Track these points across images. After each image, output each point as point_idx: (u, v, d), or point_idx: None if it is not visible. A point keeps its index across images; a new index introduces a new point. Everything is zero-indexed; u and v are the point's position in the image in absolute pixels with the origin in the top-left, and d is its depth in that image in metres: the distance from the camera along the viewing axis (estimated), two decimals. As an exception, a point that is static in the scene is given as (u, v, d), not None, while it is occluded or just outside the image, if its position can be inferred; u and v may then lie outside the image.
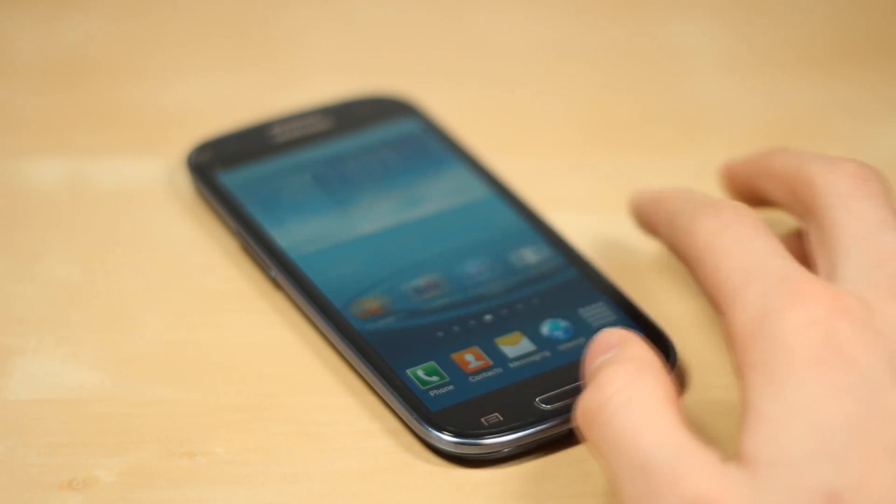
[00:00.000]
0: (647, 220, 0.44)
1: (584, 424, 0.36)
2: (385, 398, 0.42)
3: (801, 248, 0.43)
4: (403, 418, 0.42)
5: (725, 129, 0.56)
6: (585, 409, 0.36)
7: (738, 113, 0.57)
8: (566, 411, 0.41)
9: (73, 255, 0.48)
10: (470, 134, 0.53)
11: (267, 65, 0.59)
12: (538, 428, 0.41)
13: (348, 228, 0.48)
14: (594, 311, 0.45)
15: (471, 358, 0.43)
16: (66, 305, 0.46)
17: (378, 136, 0.52)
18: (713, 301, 0.38)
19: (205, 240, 0.49)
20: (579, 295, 0.45)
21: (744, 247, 0.37)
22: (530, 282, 0.46)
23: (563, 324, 0.44)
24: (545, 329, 0.44)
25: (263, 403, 0.43)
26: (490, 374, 0.43)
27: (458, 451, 0.41)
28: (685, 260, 0.39)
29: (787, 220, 0.46)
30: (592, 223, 0.49)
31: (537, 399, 0.41)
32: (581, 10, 0.62)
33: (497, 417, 0.41)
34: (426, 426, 0.41)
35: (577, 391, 0.41)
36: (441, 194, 0.50)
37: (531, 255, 0.47)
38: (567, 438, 0.41)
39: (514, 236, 0.48)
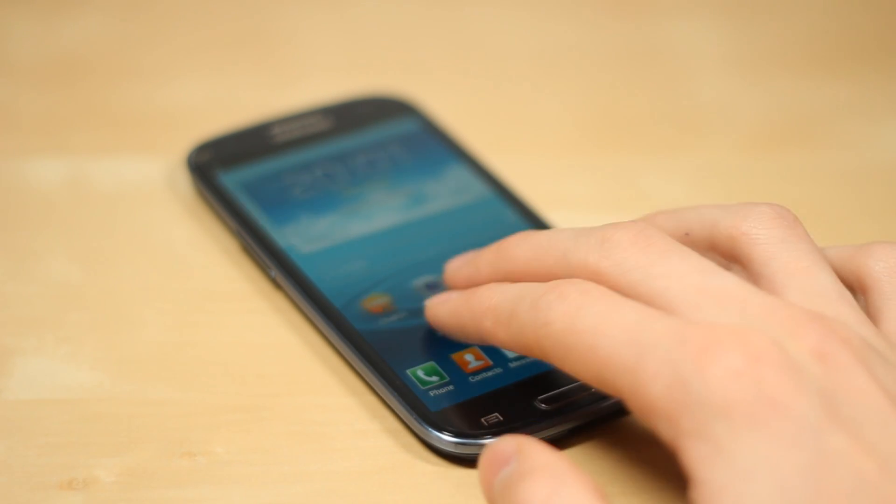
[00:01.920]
0: (468, 328, 0.41)
1: None
2: (385, 398, 0.42)
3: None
4: (403, 418, 0.42)
5: (726, 129, 0.56)
6: None
7: (739, 112, 0.57)
8: (566, 411, 0.41)
9: (73, 255, 0.48)
10: (470, 134, 0.53)
11: (267, 65, 0.59)
12: (538, 428, 0.41)
13: (348, 228, 0.48)
14: (594, 311, 0.44)
15: (470, 358, 0.43)
16: (66, 305, 0.46)
17: (378, 135, 0.52)
18: (602, 384, 0.35)
19: (205, 240, 0.49)
20: None
21: (612, 319, 0.35)
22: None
23: (563, 324, 0.44)
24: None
25: (263, 403, 0.43)
26: (490, 374, 0.42)
27: (458, 451, 0.41)
28: (546, 354, 0.37)
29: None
30: (592, 223, 0.49)
31: (537, 399, 0.41)
32: (581, 10, 0.62)
33: (497, 417, 0.41)
34: (426, 426, 0.41)
35: (578, 391, 0.41)
36: (441, 194, 0.50)
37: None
38: (566, 438, 0.41)
39: (514, 236, 0.48)
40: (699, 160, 0.54)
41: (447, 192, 0.50)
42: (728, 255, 0.39)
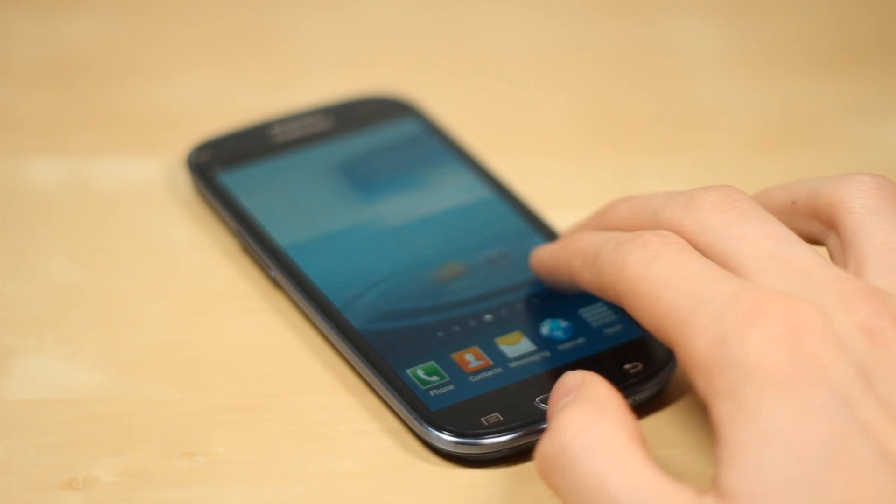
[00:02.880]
0: (562, 269, 0.42)
1: (545, 472, 0.35)
2: (385, 398, 0.42)
3: None
4: (403, 418, 0.42)
5: (726, 129, 0.56)
6: (544, 456, 0.35)
7: (740, 112, 0.57)
8: (566, 411, 0.41)
9: (73, 255, 0.48)
10: (470, 134, 0.53)
11: (267, 65, 0.59)
12: (538, 428, 0.41)
13: (348, 228, 0.48)
14: (594, 310, 0.45)
15: (471, 358, 0.43)
16: (66, 305, 0.46)
17: (378, 136, 0.52)
18: (659, 333, 0.36)
19: (205, 240, 0.49)
20: (579, 295, 0.45)
21: (680, 272, 0.36)
22: (530, 282, 0.46)
23: (563, 324, 0.44)
24: (545, 329, 0.44)
25: (263, 403, 0.43)
26: (490, 374, 0.42)
27: (458, 451, 0.41)
28: (619, 297, 0.38)
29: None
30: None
31: (537, 399, 0.41)
32: (581, 10, 0.62)
33: (497, 417, 0.41)
34: (426, 426, 0.41)
35: (578, 391, 0.41)
36: (441, 194, 0.50)
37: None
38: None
39: (514, 236, 0.48)
40: (700, 160, 0.54)
41: (447, 192, 0.50)
42: (826, 223, 0.40)
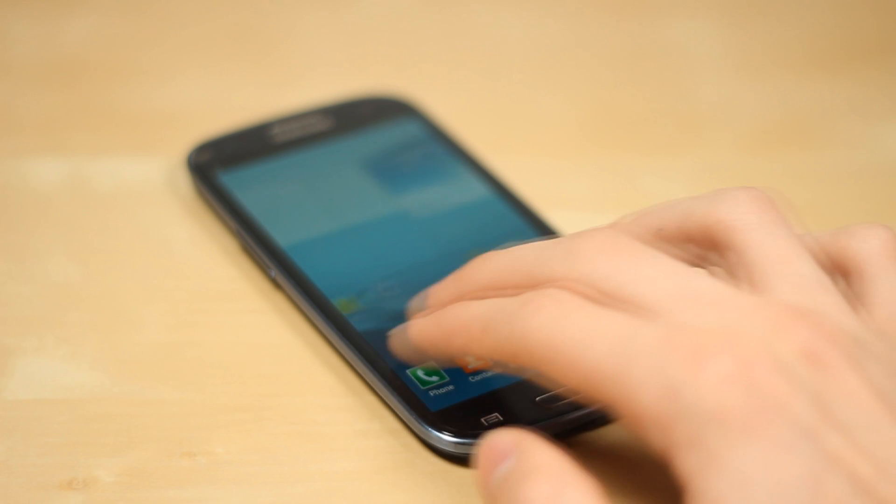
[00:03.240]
0: (439, 348, 0.39)
1: None
2: (385, 398, 0.42)
3: None
4: (403, 418, 0.42)
5: (727, 129, 0.56)
6: None
7: (740, 112, 0.57)
8: (566, 411, 0.41)
9: (73, 255, 0.48)
10: (470, 134, 0.53)
11: (267, 65, 0.59)
12: (538, 428, 0.41)
13: (348, 228, 0.48)
14: (594, 310, 0.44)
15: (471, 358, 0.43)
16: (66, 305, 0.46)
17: (378, 136, 0.52)
18: (590, 394, 0.34)
19: (205, 240, 0.49)
20: None
21: (594, 329, 0.34)
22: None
23: (564, 324, 0.44)
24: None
25: (263, 403, 0.43)
26: (490, 374, 0.42)
27: (458, 451, 0.41)
28: (530, 365, 0.36)
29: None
30: (592, 223, 0.49)
31: (537, 399, 0.41)
32: (581, 10, 0.62)
33: (497, 417, 0.41)
34: (426, 426, 0.41)
35: (577, 391, 0.41)
36: (441, 194, 0.50)
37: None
38: (566, 438, 0.41)
39: (514, 236, 0.48)
40: (699, 160, 0.54)
41: (447, 192, 0.50)
42: (705, 245, 0.38)
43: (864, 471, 0.32)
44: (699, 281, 0.35)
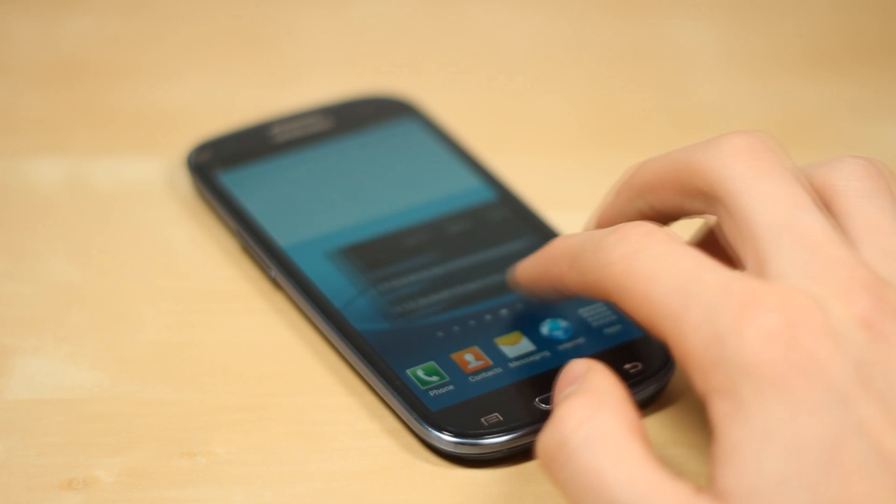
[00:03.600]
0: (548, 275, 0.41)
1: (545, 464, 0.35)
2: (385, 398, 0.42)
3: (715, 245, 0.41)
4: (403, 418, 0.42)
5: (727, 128, 0.56)
6: (545, 448, 0.35)
7: (740, 112, 0.57)
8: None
9: (73, 255, 0.48)
10: (470, 134, 0.53)
11: (267, 65, 0.59)
12: (538, 428, 0.41)
13: (348, 228, 0.48)
14: (594, 310, 0.45)
15: (471, 358, 0.43)
16: (66, 305, 0.46)
17: (378, 136, 0.52)
18: (652, 329, 0.36)
19: (205, 240, 0.49)
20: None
21: (667, 266, 0.35)
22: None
23: (563, 324, 0.44)
24: (545, 329, 0.44)
25: (263, 403, 0.43)
26: (490, 374, 0.42)
27: (458, 451, 0.41)
28: (607, 294, 0.37)
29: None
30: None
31: (537, 399, 0.41)
32: (581, 10, 0.62)
33: (497, 417, 0.41)
34: (426, 426, 0.41)
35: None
36: (441, 194, 0.50)
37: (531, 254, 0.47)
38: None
39: (514, 236, 0.48)
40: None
41: (447, 192, 0.50)
42: (818, 198, 0.39)
43: (889, 443, 0.32)
44: (815, 221, 0.36)
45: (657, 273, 0.35)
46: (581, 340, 0.44)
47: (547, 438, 0.35)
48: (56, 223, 0.50)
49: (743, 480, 0.33)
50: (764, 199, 0.36)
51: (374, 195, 0.49)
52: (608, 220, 0.42)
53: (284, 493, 0.40)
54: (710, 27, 0.61)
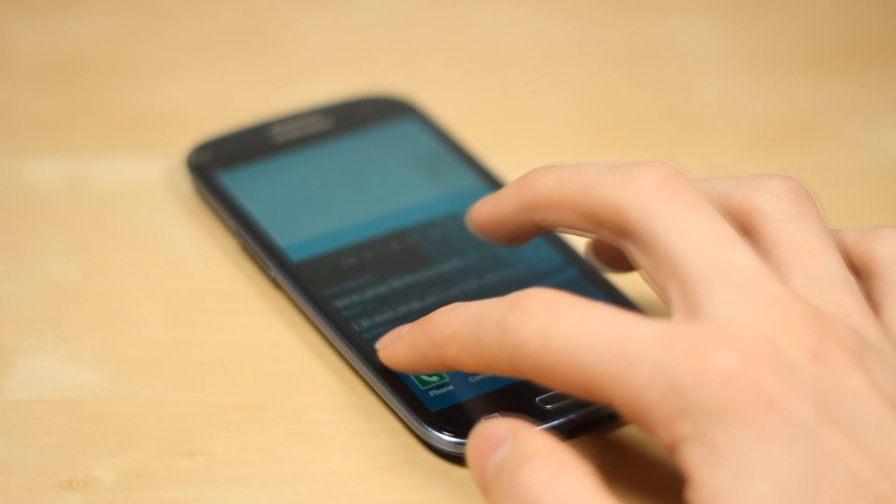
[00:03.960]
0: (429, 361, 0.39)
1: None
2: (385, 398, 0.42)
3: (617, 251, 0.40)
4: (403, 418, 0.42)
5: (727, 128, 0.56)
6: None
7: (740, 111, 0.57)
8: (566, 411, 0.41)
9: (73, 255, 0.48)
10: (470, 134, 0.53)
11: (267, 65, 0.59)
12: (538, 428, 0.41)
13: (348, 228, 0.48)
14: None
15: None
16: (66, 305, 0.46)
17: (378, 136, 0.52)
18: (591, 396, 0.34)
19: (205, 240, 0.49)
20: (579, 295, 0.45)
21: (589, 332, 0.34)
22: (530, 281, 0.46)
23: (564, 323, 0.44)
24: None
25: (263, 403, 0.43)
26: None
27: (458, 451, 0.41)
28: (521, 375, 0.36)
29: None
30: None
31: (537, 399, 0.41)
32: (581, 10, 0.62)
33: (497, 417, 0.41)
34: (426, 426, 0.41)
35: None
36: (441, 194, 0.50)
37: (531, 254, 0.47)
38: (566, 438, 0.41)
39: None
40: (700, 159, 0.54)
41: (447, 192, 0.50)
42: (741, 226, 0.38)
43: (863, 468, 0.32)
44: (741, 255, 0.35)
45: (580, 342, 0.34)
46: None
47: None
48: (56, 223, 0.50)
49: None
50: (687, 237, 0.36)
51: (373, 195, 0.49)
52: (488, 227, 0.42)
53: (284, 493, 0.40)
54: (710, 27, 0.61)
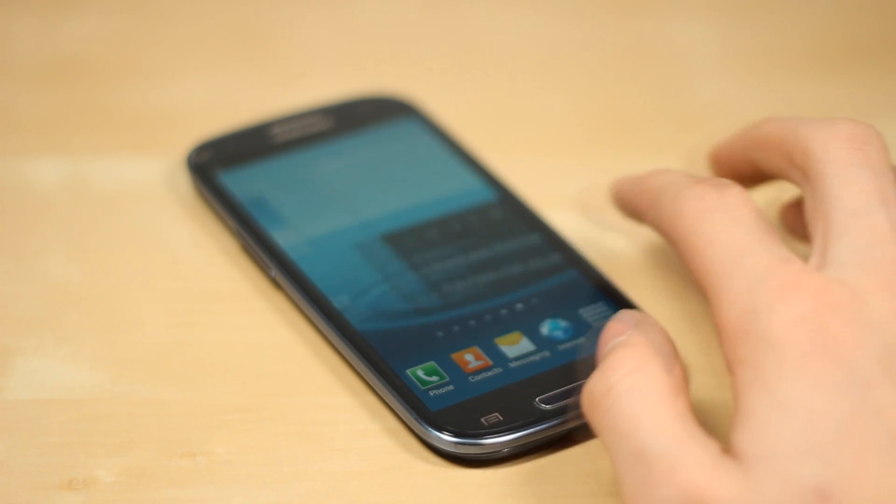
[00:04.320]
0: (631, 204, 0.44)
1: (589, 409, 0.36)
2: (385, 398, 0.42)
3: (802, 217, 0.43)
4: (403, 418, 0.42)
5: (727, 128, 0.56)
6: (591, 393, 0.36)
7: (740, 112, 0.57)
8: (566, 411, 0.41)
9: (73, 255, 0.48)
10: (470, 134, 0.53)
11: (267, 65, 0.59)
12: (538, 428, 0.41)
13: (348, 228, 0.48)
14: (594, 310, 0.45)
15: (471, 358, 0.43)
16: (66, 305, 0.46)
17: (378, 136, 0.52)
18: (700, 285, 0.37)
19: (205, 240, 0.49)
20: (579, 295, 0.45)
21: (727, 233, 0.37)
22: (530, 281, 0.46)
23: (563, 324, 0.44)
24: (545, 329, 0.44)
25: (263, 403, 0.43)
26: (490, 374, 0.42)
27: (458, 451, 0.41)
28: (672, 242, 0.39)
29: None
30: (592, 223, 0.49)
31: (537, 399, 0.41)
32: (581, 10, 0.62)
33: (497, 417, 0.41)
34: (426, 426, 0.41)
35: (578, 391, 0.41)
36: (441, 194, 0.50)
37: (531, 254, 0.47)
38: (567, 438, 0.41)
39: (514, 236, 0.48)
40: (699, 160, 0.54)
41: (447, 192, 0.50)
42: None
43: None
44: (885, 214, 0.37)
45: (717, 237, 0.37)
46: (581, 340, 0.44)
47: (594, 384, 0.36)
48: (56, 223, 0.50)
49: (758, 443, 0.34)
50: (847, 186, 0.38)
51: (373, 195, 0.49)
52: (718, 157, 0.45)
53: (284, 493, 0.40)
54: (710, 27, 0.61)
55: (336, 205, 0.49)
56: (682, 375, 0.36)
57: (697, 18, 0.62)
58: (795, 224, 0.46)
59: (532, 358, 0.43)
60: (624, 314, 0.39)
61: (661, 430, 0.34)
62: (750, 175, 0.44)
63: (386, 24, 0.61)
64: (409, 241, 0.47)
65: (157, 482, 0.40)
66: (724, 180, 0.39)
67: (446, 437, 0.40)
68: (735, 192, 0.38)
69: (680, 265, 0.48)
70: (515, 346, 0.43)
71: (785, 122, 0.41)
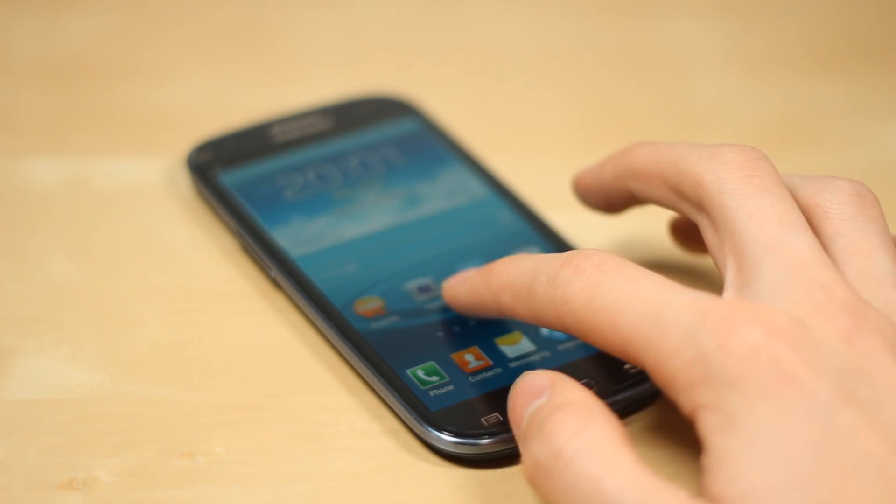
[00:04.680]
0: (487, 305, 0.41)
1: (537, 479, 0.35)
2: (385, 398, 0.42)
3: (693, 233, 0.43)
4: (403, 418, 0.42)
5: (727, 128, 0.56)
6: (536, 462, 0.35)
7: (740, 111, 0.57)
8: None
9: (73, 255, 0.48)
10: (470, 134, 0.53)
11: (267, 65, 0.59)
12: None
13: (348, 228, 0.48)
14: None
15: (471, 358, 0.43)
16: (66, 305, 0.46)
17: (378, 135, 0.52)
18: (625, 357, 0.36)
19: (205, 240, 0.49)
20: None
21: (631, 295, 0.36)
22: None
23: (564, 323, 0.44)
24: (545, 329, 0.44)
25: (263, 403, 0.43)
26: (490, 374, 0.42)
27: (458, 451, 0.41)
28: (565, 330, 0.37)
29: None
30: (592, 223, 0.49)
31: (537, 399, 0.41)
32: (581, 10, 0.62)
33: (497, 417, 0.41)
34: (426, 426, 0.41)
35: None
36: (441, 194, 0.50)
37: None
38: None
39: (513, 236, 0.48)
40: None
41: (447, 191, 0.50)
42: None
43: (876, 448, 0.33)
44: (802, 241, 0.37)
45: (622, 304, 0.36)
46: (580, 340, 0.44)
47: (538, 451, 0.35)
48: (56, 223, 0.50)
49: (736, 486, 0.33)
50: (752, 217, 0.37)
51: (373, 195, 0.49)
52: (584, 185, 0.44)
53: (284, 493, 0.40)
54: (710, 27, 0.61)
55: (336, 204, 0.49)
56: (622, 426, 0.35)
57: (697, 18, 0.62)
58: (687, 240, 0.46)
59: (532, 358, 0.43)
60: (531, 375, 0.37)
61: (627, 483, 0.33)
62: (621, 202, 0.44)
63: (386, 24, 0.61)
64: (408, 241, 0.47)
65: (157, 482, 0.40)
66: (585, 250, 0.37)
67: (446, 437, 0.40)
68: (604, 255, 0.37)
69: (680, 265, 0.47)
70: (515, 346, 0.43)
71: (659, 150, 0.41)
